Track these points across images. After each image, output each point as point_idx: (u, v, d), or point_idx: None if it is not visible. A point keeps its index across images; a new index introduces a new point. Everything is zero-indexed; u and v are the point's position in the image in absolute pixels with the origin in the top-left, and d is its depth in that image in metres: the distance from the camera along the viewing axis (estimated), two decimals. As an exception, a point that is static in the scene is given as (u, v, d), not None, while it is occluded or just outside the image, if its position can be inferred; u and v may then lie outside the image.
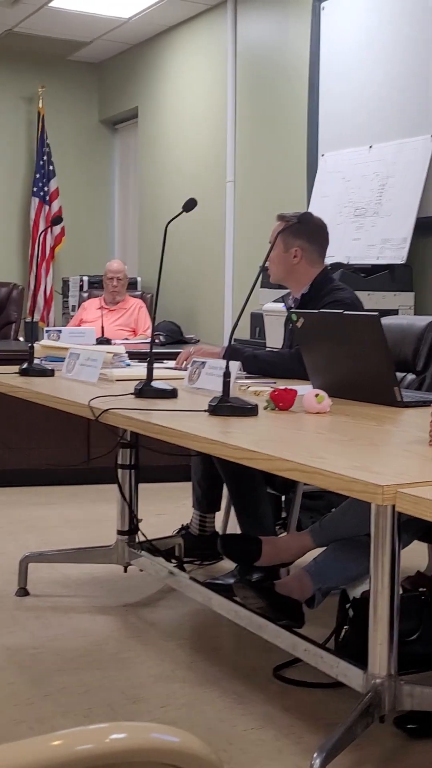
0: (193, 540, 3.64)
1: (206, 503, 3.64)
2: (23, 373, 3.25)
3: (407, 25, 4.85)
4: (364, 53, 5.15)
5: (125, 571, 3.43)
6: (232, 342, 2.66)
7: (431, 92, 4.70)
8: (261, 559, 2.77)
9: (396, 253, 4.75)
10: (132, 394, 2.66)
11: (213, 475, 3.50)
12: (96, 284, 7.12)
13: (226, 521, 3.68)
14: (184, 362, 3.28)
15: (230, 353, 2.49)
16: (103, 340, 4.65)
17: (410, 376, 3.26)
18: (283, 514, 3.44)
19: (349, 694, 2.29)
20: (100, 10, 6.80)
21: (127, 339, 5.94)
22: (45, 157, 7.92)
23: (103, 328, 5.10)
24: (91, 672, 2.68)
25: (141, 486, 3.49)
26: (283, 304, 4.32)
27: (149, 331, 6.21)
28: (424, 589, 2.65)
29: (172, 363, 3.49)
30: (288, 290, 3.56)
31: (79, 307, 6.91)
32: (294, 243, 3.33)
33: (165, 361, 3.56)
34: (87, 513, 4.55)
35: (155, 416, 2.35)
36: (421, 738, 2.29)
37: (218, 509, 3.68)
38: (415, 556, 3.28)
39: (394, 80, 4.94)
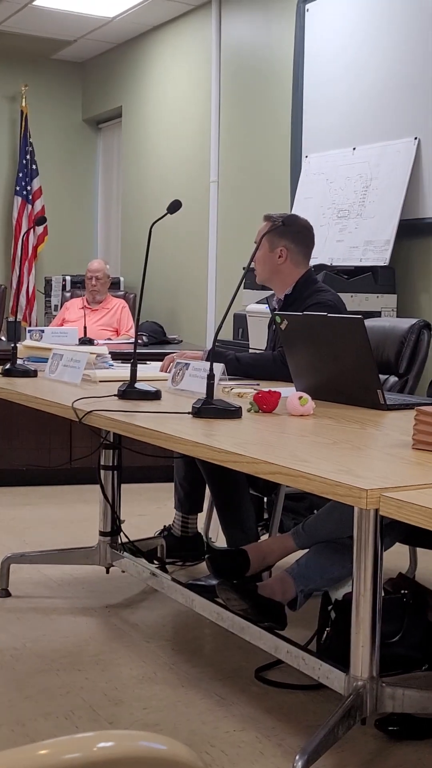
0: (175, 541, 3.63)
1: (189, 504, 3.63)
2: (6, 373, 3.24)
3: (392, 28, 4.86)
4: (348, 55, 5.16)
5: (107, 572, 3.42)
6: (215, 343, 2.65)
7: (415, 95, 4.72)
8: (250, 569, 2.77)
9: (379, 255, 4.76)
10: (115, 395, 2.66)
11: (195, 477, 3.50)
12: (78, 284, 7.10)
13: (209, 523, 3.68)
14: (170, 365, 3.28)
15: (213, 357, 2.49)
16: (85, 340, 4.64)
17: (393, 379, 3.27)
18: (265, 516, 3.45)
19: (331, 696, 2.29)
20: (85, 9, 6.79)
21: (109, 339, 5.93)
22: (28, 156, 7.89)
23: (85, 328, 5.08)
24: (72, 673, 2.67)
25: (123, 487, 3.49)
26: (266, 305, 4.33)
27: (132, 331, 6.21)
28: (406, 591, 2.66)
29: (155, 364, 3.49)
30: (272, 292, 3.57)
31: (61, 306, 6.90)
32: (279, 243, 3.34)
33: (148, 362, 3.55)
34: (69, 514, 4.54)
35: (139, 418, 2.35)
36: (402, 740, 2.29)
37: (200, 510, 3.68)
38: (396, 558, 3.29)
39: (378, 83, 4.95)
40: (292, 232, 3.35)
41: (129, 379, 2.69)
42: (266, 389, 2.50)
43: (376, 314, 4.58)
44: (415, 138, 4.70)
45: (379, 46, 4.94)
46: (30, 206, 7.91)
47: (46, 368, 3.19)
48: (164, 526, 3.77)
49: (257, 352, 3.54)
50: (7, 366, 3.26)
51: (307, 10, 5.45)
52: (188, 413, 2.38)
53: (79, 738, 0.64)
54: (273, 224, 3.26)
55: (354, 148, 5.11)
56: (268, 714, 2.44)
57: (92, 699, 2.51)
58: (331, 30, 5.28)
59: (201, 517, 3.70)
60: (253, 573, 2.78)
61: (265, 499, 3.44)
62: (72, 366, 3.05)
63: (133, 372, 2.69)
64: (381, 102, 4.94)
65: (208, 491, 3.44)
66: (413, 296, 4.81)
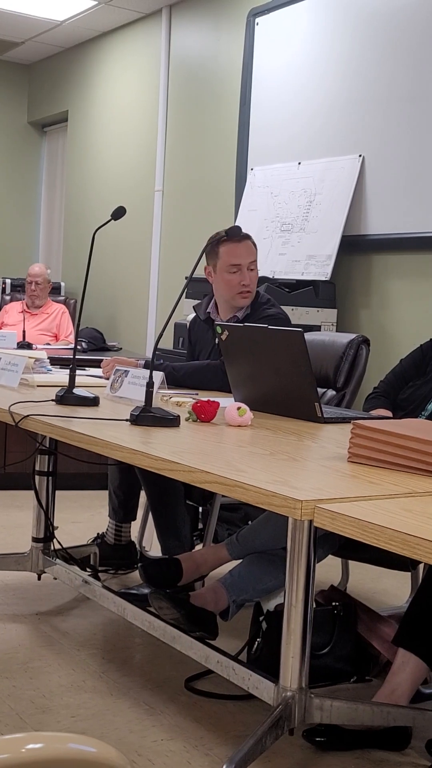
0: (108, 549, 3.62)
1: (122, 512, 3.62)
2: None
3: (339, 46, 4.92)
4: (296, 70, 5.21)
5: (39, 578, 3.39)
6: (156, 352, 2.65)
7: (360, 112, 4.78)
8: (183, 578, 2.77)
9: (321, 270, 4.80)
10: (53, 400, 2.64)
11: (130, 484, 3.49)
12: (19, 287, 7.05)
13: (142, 531, 3.67)
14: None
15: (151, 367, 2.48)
16: (24, 344, 4.60)
17: (331, 392, 3.30)
18: (200, 526, 3.45)
19: (260, 706, 2.30)
20: (34, 12, 6.75)
21: (48, 344, 5.89)
22: (-29, 157, 7.82)
23: (24, 332, 5.04)
24: None
25: (58, 493, 3.46)
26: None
27: (71, 337, 6.17)
28: (337, 604, 2.68)
29: (94, 370, 3.47)
30: (199, 301, 3.56)
31: (0, 309, 6.83)
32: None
33: (87, 368, 3.54)
34: (1, 519, 4.49)
35: (76, 424, 2.33)
36: (328, 751, 2.31)
37: (134, 519, 3.66)
38: (328, 570, 3.32)
39: (325, 99, 5.00)
40: None
41: (67, 384, 2.68)
42: (205, 399, 2.51)
43: (316, 328, 4.62)
44: (360, 155, 4.76)
45: (327, 63, 4.99)
46: (-28, 207, 7.83)
47: (-17, 371, 3.15)
48: (98, 533, 3.75)
49: (195, 362, 3.52)
50: None
51: (257, 24, 5.49)
52: (126, 420, 2.37)
53: (8, 739, 0.63)
54: (252, 242, 3.31)
55: (299, 163, 5.15)
56: (196, 723, 2.44)
57: (19, 707, 2.48)
58: (280, 45, 5.32)
59: (135, 526, 3.68)
60: (186, 582, 2.78)
61: (201, 509, 3.44)
62: (10, 369, 3.02)
63: (72, 377, 2.68)
64: (327, 118, 4.99)
65: (142, 500, 3.43)
66: (353, 311, 4.86)
